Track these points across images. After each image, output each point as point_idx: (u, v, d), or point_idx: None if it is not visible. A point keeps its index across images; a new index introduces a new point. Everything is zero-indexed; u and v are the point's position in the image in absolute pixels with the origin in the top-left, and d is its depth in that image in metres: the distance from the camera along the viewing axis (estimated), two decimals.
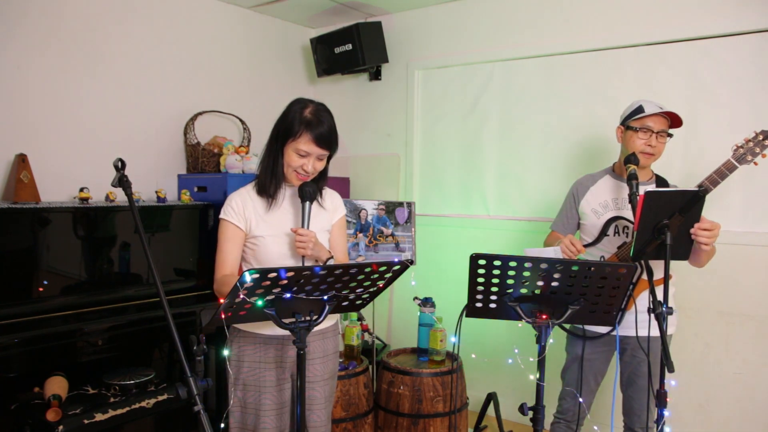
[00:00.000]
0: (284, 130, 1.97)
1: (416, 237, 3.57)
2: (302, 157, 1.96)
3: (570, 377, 2.52)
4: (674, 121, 2.39)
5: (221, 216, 2.03)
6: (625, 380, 2.46)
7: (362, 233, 3.37)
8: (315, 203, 2.06)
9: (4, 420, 2.52)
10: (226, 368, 2.02)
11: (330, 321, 2.14)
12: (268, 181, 2.02)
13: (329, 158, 2.06)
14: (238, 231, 2.01)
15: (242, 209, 2.01)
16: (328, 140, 1.97)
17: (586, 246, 2.45)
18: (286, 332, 1.99)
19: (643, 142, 2.34)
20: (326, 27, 4.42)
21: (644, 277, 2.30)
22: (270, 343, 2.03)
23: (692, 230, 2.07)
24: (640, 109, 2.37)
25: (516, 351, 3.13)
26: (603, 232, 2.42)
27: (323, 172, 2.09)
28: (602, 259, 2.44)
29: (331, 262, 1.99)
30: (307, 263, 1.97)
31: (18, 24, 2.99)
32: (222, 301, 1.61)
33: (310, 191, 1.96)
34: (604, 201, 2.46)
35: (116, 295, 2.95)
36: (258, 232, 2.01)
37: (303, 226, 1.95)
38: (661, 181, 2.49)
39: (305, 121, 1.94)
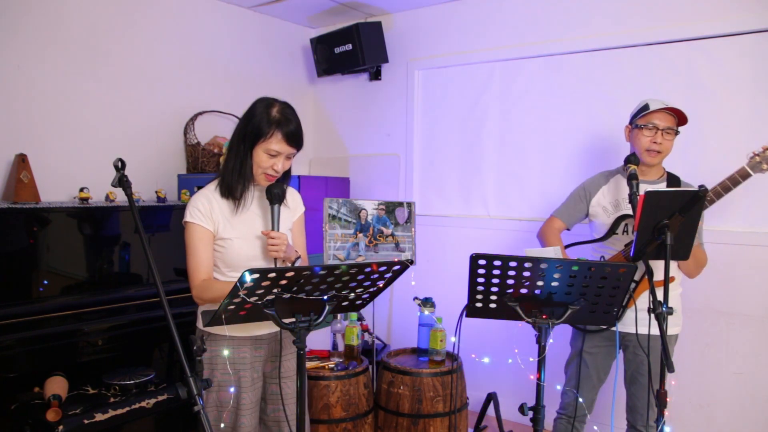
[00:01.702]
0: (253, 132, 1.93)
1: (416, 237, 3.57)
2: (272, 157, 1.94)
3: (572, 371, 2.53)
4: (680, 119, 2.40)
5: (188, 219, 1.97)
6: (628, 378, 2.47)
7: (362, 233, 3.37)
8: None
9: (4, 420, 2.52)
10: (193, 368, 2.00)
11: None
12: (235, 182, 1.97)
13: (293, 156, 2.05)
14: (207, 233, 1.97)
15: (209, 211, 1.97)
16: (297, 138, 1.96)
17: (593, 241, 2.49)
18: (259, 333, 2.03)
19: (649, 140, 2.36)
20: (326, 27, 4.42)
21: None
22: (244, 345, 2.03)
23: None
24: (646, 107, 2.39)
25: (516, 351, 3.13)
26: (612, 230, 2.42)
27: (287, 172, 2.07)
28: (602, 259, 2.44)
29: (298, 262, 1.99)
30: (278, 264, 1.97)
31: (18, 24, 2.99)
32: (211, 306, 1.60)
33: (278, 193, 1.93)
34: (615, 200, 2.47)
35: (116, 295, 2.95)
36: (226, 235, 1.98)
37: (273, 229, 1.93)
38: (673, 179, 2.48)
39: (275, 120, 1.92)
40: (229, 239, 1.98)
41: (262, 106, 1.96)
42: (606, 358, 2.49)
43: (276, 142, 1.92)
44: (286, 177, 2.08)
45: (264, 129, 1.92)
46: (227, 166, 2.00)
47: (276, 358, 2.07)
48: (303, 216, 2.20)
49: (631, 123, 2.46)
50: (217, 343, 2.00)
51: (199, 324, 2.05)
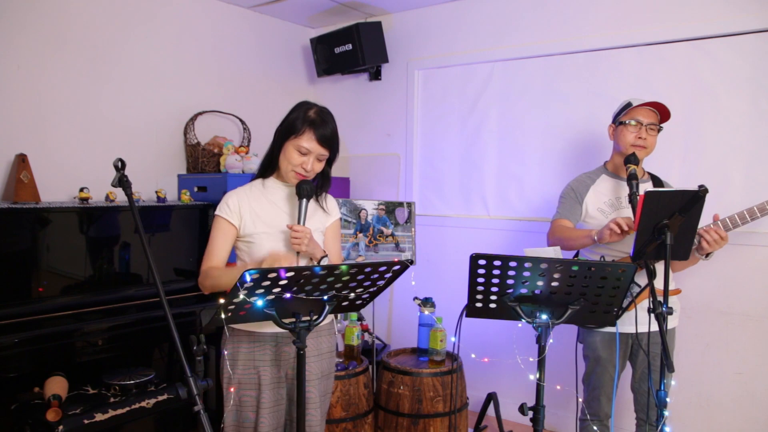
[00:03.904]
0: (287, 128, 2.00)
1: (416, 237, 3.57)
2: (303, 155, 1.99)
3: (597, 379, 2.48)
4: (663, 115, 2.41)
5: (217, 212, 2.06)
6: (638, 376, 2.48)
7: (362, 233, 3.37)
8: (316, 203, 2.10)
9: (4, 420, 2.52)
10: (221, 366, 2.02)
11: (324, 319, 2.15)
12: (264, 169, 2.10)
13: (331, 162, 2.09)
14: (231, 228, 2.04)
15: (238, 208, 2.04)
16: (329, 140, 2.00)
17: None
18: (281, 330, 1.97)
19: (634, 136, 2.38)
20: (326, 27, 4.42)
21: (641, 283, 2.32)
22: (265, 342, 2.03)
23: (705, 228, 2.19)
24: (628, 105, 2.43)
25: (516, 351, 3.13)
26: None
27: (327, 177, 2.12)
28: (602, 259, 2.44)
29: (325, 261, 2.00)
30: (302, 261, 1.98)
31: (19, 24, 2.99)
32: (224, 297, 1.61)
33: (307, 189, 1.98)
34: (609, 200, 2.47)
35: (116, 295, 2.95)
36: (253, 230, 2.03)
37: (299, 223, 1.96)
38: (655, 179, 2.50)
39: (309, 120, 1.98)
40: (257, 234, 2.03)
41: (302, 107, 2.03)
42: (622, 358, 2.49)
43: (307, 140, 1.97)
44: (325, 182, 2.13)
45: (297, 126, 1.98)
46: (262, 162, 2.11)
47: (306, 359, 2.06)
48: (338, 223, 2.22)
49: (614, 121, 2.49)
50: (238, 339, 2.02)
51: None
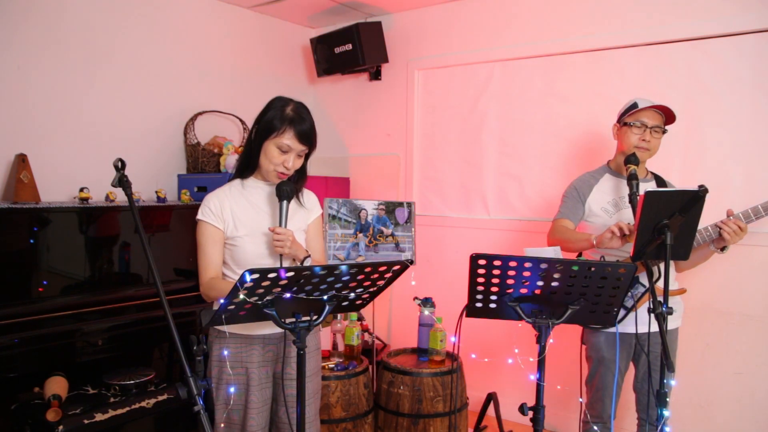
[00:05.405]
0: (265, 127, 1.99)
1: (416, 237, 3.57)
2: (283, 153, 1.99)
3: (601, 380, 2.47)
4: (668, 117, 2.41)
5: (199, 217, 2.04)
6: (641, 377, 2.48)
7: (362, 233, 3.37)
8: (295, 202, 2.09)
9: (4, 420, 2.52)
10: (208, 366, 2.02)
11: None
12: (242, 169, 2.08)
13: (307, 157, 2.08)
14: (217, 231, 2.02)
15: (220, 210, 2.02)
16: (309, 137, 2.00)
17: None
18: (268, 332, 2.03)
19: (638, 137, 2.38)
20: (326, 27, 4.42)
21: (647, 284, 2.32)
22: (253, 343, 2.04)
23: (723, 220, 2.24)
24: (634, 105, 2.41)
25: (516, 351, 3.13)
26: None
27: (303, 172, 2.11)
28: (602, 259, 2.44)
29: (308, 261, 2.00)
30: (285, 262, 1.98)
31: (19, 24, 2.99)
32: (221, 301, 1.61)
33: (287, 190, 1.96)
34: (613, 200, 2.47)
35: (116, 295, 2.95)
36: (235, 233, 2.02)
37: (280, 225, 1.95)
38: (658, 179, 2.50)
39: (288, 117, 1.97)
40: (239, 237, 2.02)
41: (278, 103, 2.01)
42: (624, 359, 2.49)
43: (288, 138, 1.97)
44: (302, 177, 2.12)
45: (276, 124, 1.96)
46: (239, 161, 2.09)
47: (287, 359, 2.07)
48: (320, 218, 2.22)
49: (619, 121, 2.48)
50: (226, 341, 2.02)
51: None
